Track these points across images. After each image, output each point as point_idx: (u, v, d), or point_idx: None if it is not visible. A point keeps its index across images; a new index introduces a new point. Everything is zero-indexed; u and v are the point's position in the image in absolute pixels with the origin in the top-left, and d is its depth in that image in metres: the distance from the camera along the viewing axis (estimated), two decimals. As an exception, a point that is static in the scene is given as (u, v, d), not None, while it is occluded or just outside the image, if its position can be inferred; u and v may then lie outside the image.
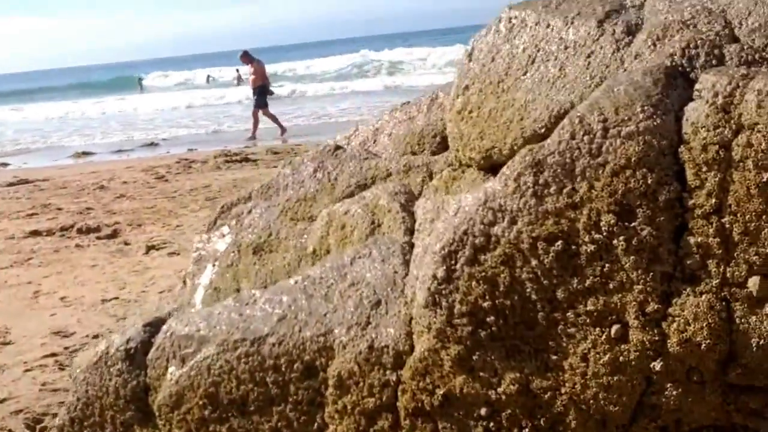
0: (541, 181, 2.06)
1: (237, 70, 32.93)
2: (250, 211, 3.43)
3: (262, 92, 14.22)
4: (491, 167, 2.56)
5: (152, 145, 14.12)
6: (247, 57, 14.42)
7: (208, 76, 45.43)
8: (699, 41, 2.09)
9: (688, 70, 2.09)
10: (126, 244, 6.47)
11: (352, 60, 39.68)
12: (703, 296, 1.91)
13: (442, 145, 3.18)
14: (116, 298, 5.16)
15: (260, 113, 14.18)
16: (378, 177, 3.07)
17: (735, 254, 1.88)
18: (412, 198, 2.80)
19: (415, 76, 28.88)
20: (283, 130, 14.16)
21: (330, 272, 2.73)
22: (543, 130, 2.31)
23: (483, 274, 2.14)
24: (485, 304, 2.15)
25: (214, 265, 3.37)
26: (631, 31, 2.26)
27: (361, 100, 21.60)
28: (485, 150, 2.52)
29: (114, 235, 6.79)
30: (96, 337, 4.46)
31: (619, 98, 2.00)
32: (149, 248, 6.22)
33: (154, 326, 3.16)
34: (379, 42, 62.02)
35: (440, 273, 2.21)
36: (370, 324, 2.35)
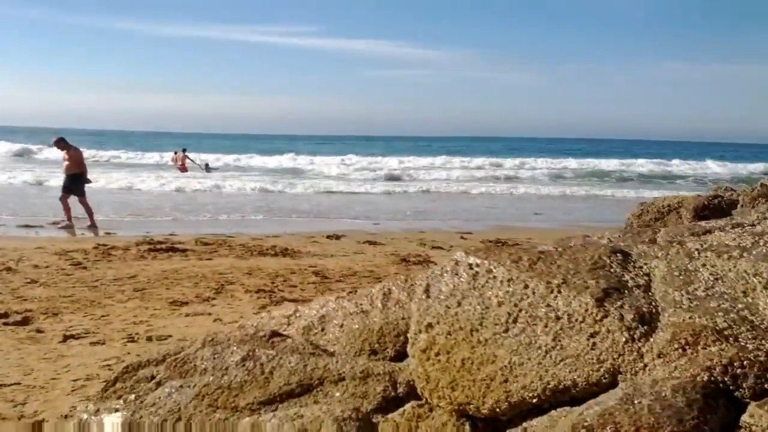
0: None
1: (175, 153, 32.11)
2: (158, 384, 2.91)
3: (75, 179, 13.28)
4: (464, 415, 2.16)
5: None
6: (62, 144, 13.65)
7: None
8: (746, 361, 1.73)
9: (732, 388, 1.72)
10: (39, 331, 5.56)
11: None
12: None
13: (406, 346, 2.84)
14: (18, 383, 4.42)
15: (72, 200, 13.04)
16: (327, 379, 2.63)
17: None
18: (367, 426, 2.33)
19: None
20: (93, 225, 12.89)
21: None
22: (535, 401, 1.98)
23: None
24: None
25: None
26: (645, 320, 1.95)
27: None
28: (458, 403, 2.17)
29: (25, 322, 5.82)
30: (-14, 421, 3.80)
31: (641, 416, 1.61)
32: (67, 337, 5.40)
33: None
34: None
35: None
36: None
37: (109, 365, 4.67)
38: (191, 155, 31.44)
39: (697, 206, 4.77)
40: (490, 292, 2.14)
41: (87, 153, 36.51)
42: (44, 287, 7.20)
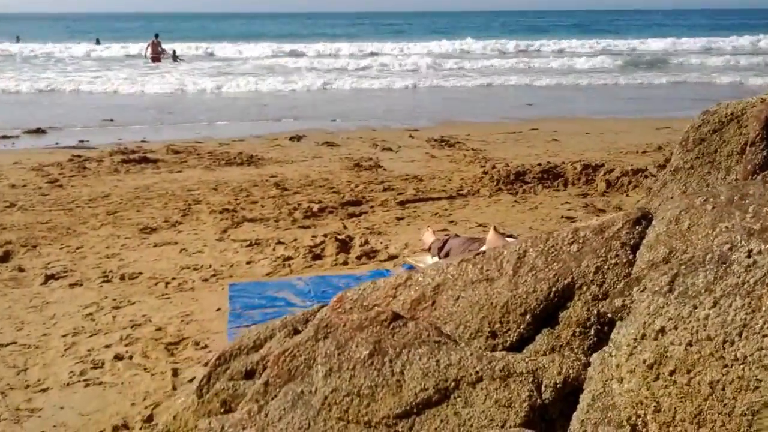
0: None
1: (154, 38, 28.74)
2: (266, 385, 2.61)
3: None
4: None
5: (39, 131, 12.19)
6: None
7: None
8: None
9: None
10: (20, 270, 5.46)
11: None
12: None
13: (533, 327, 2.49)
14: (14, 342, 4.25)
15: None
16: (464, 380, 2.33)
17: None
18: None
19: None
20: None
21: None
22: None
23: None
24: None
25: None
26: None
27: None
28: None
29: (6, 257, 5.74)
30: (-1, 394, 3.59)
31: None
32: (48, 277, 5.29)
33: None
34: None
35: None
36: None
37: (90, 314, 4.67)
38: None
39: (768, 116, 4.43)
40: (763, 291, 1.65)
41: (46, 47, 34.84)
42: (22, 211, 7.21)
